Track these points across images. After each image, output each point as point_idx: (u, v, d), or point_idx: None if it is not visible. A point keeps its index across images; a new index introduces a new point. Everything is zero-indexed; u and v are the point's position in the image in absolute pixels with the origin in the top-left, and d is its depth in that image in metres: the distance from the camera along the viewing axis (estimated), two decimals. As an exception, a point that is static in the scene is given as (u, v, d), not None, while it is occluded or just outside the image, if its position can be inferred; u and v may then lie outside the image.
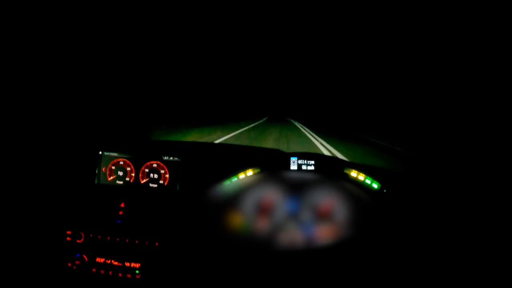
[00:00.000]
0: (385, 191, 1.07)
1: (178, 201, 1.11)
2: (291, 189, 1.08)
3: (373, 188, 1.08)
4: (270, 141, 8.43)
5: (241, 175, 1.11)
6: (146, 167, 1.16)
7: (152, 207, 1.10)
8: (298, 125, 17.68)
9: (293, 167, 1.15)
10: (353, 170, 1.11)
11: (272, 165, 1.15)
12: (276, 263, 0.95)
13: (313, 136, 9.59)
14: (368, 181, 1.09)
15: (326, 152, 6.37)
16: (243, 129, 12.49)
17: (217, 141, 7.45)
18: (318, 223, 1.02)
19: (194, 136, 8.60)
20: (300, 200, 1.06)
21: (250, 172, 1.12)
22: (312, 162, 1.15)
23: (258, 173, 1.13)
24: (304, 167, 1.15)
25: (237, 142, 7.61)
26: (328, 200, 1.06)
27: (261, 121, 21.90)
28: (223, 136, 8.88)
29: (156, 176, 1.15)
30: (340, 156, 5.85)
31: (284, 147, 7.03)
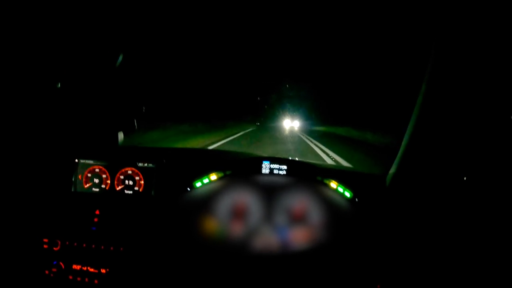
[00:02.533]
0: (357, 200, 1.08)
1: (153, 207, 1.12)
2: (264, 192, 1.09)
3: (345, 196, 1.09)
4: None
5: (212, 176, 1.13)
6: (121, 174, 1.17)
7: (127, 214, 1.11)
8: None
9: (265, 171, 1.15)
10: (326, 178, 1.12)
11: (243, 169, 1.16)
12: (251, 267, 0.97)
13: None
14: (340, 189, 1.10)
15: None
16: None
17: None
18: (292, 226, 1.04)
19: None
20: (274, 203, 1.07)
21: (221, 175, 1.13)
22: (285, 167, 1.15)
23: (230, 176, 1.14)
24: (276, 171, 1.16)
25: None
26: (302, 203, 1.07)
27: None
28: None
29: (131, 182, 1.17)
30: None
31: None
